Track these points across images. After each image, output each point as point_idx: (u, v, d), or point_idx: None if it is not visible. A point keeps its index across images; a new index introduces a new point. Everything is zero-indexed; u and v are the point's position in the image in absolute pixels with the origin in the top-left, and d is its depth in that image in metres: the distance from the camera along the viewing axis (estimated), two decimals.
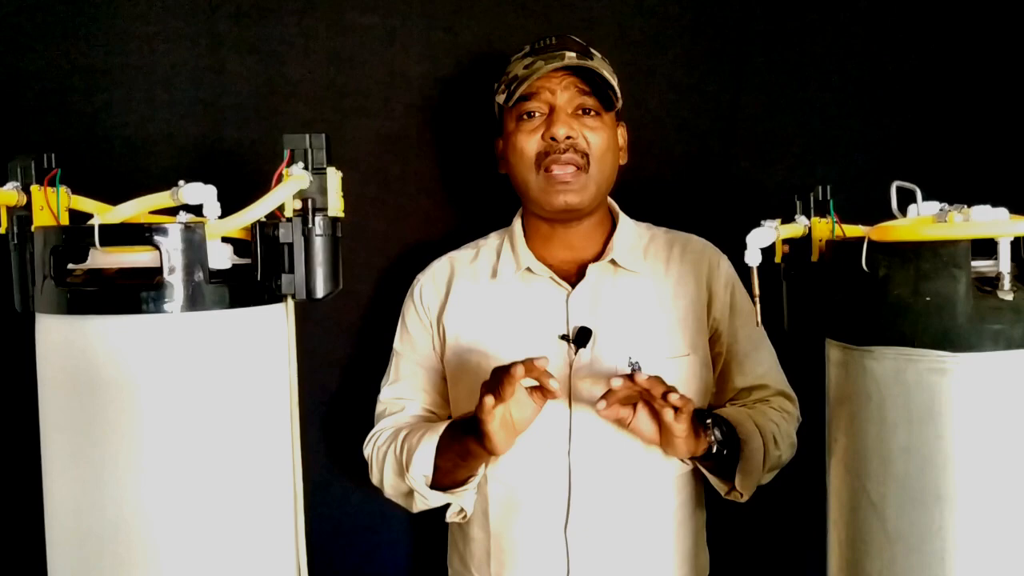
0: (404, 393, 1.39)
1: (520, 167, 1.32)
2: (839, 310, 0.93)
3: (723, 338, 1.36)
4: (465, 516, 1.33)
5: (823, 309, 0.96)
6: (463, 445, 1.22)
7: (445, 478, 1.27)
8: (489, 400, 1.11)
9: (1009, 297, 0.83)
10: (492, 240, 1.43)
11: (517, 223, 1.40)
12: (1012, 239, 0.83)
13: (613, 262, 1.34)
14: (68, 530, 0.85)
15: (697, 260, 1.37)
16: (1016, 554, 0.83)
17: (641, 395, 1.17)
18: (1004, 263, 0.83)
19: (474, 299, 1.36)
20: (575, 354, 1.28)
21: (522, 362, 1.09)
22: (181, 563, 0.82)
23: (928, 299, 0.83)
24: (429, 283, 1.41)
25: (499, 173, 1.41)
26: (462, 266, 1.40)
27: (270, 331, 0.89)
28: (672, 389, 1.14)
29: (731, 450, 1.24)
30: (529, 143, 1.31)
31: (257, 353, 0.87)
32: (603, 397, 1.17)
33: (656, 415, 1.17)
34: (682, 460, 1.29)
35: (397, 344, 1.42)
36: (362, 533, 1.65)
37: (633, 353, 1.24)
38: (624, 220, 1.39)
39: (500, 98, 1.35)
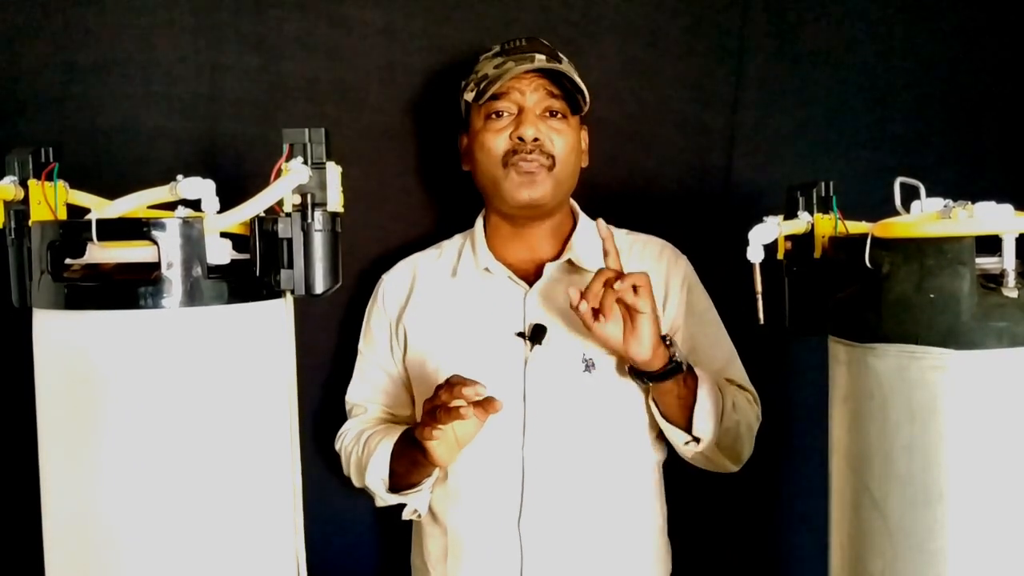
0: (366, 394, 1.44)
1: (486, 164, 1.34)
2: (841, 307, 0.92)
3: (677, 335, 1.37)
4: (419, 516, 1.36)
5: (825, 306, 0.96)
6: (411, 455, 1.25)
7: (401, 481, 1.31)
8: (426, 431, 1.15)
9: (1013, 294, 0.82)
10: (456, 240, 1.46)
11: (479, 223, 1.42)
12: (1016, 236, 0.82)
13: (570, 262, 1.36)
14: (65, 525, 0.84)
15: (655, 260, 1.39)
16: (1018, 553, 0.83)
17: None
18: (1008, 260, 0.83)
19: (434, 298, 1.40)
20: (530, 350, 1.30)
21: (461, 384, 1.12)
22: (179, 560, 0.81)
23: (932, 296, 0.83)
24: (391, 284, 1.44)
25: (462, 171, 1.42)
26: (424, 267, 1.43)
27: (269, 327, 0.88)
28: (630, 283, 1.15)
29: (690, 375, 1.24)
30: (497, 141, 1.32)
31: (256, 349, 0.87)
32: (582, 296, 1.17)
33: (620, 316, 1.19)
34: (644, 380, 1.26)
35: (361, 344, 1.46)
36: (361, 529, 1.65)
37: (587, 350, 1.28)
38: (584, 221, 1.41)
39: (468, 96, 1.37)
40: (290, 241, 0.88)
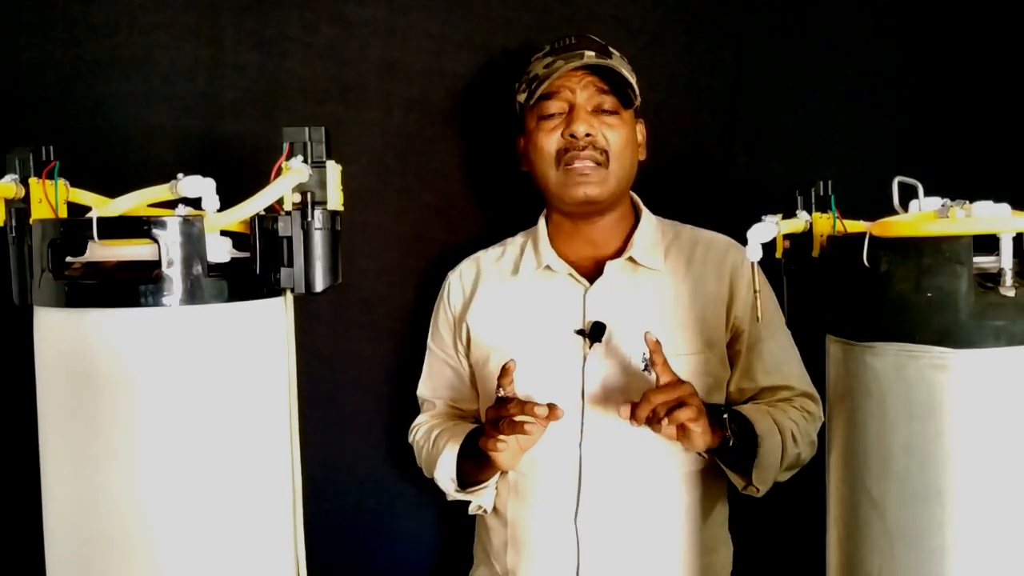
0: (434, 390, 1.47)
1: (541, 164, 1.34)
2: (840, 306, 0.93)
3: (744, 336, 1.36)
4: (485, 511, 1.38)
5: (824, 305, 0.96)
6: (477, 458, 1.28)
7: (469, 478, 1.34)
8: (490, 443, 1.19)
9: (1011, 293, 0.82)
10: (518, 238, 1.46)
11: (541, 221, 1.43)
12: (1014, 235, 0.83)
13: (631, 259, 1.35)
14: (66, 523, 0.85)
15: (720, 259, 1.38)
16: (1016, 551, 0.83)
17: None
18: (1006, 259, 0.83)
19: (497, 297, 1.40)
20: (589, 348, 1.30)
21: (523, 406, 1.14)
22: (179, 557, 0.82)
23: (929, 295, 0.83)
24: (456, 282, 1.45)
25: (520, 171, 1.43)
26: (488, 265, 1.44)
27: (269, 325, 0.88)
28: (677, 402, 1.14)
29: (746, 444, 1.24)
30: (549, 141, 1.33)
31: (256, 347, 0.87)
32: (632, 416, 1.16)
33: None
34: (699, 454, 1.29)
35: (429, 340, 1.48)
36: (360, 527, 1.65)
37: (646, 348, 1.24)
38: (647, 217, 1.41)
39: (521, 97, 1.37)
40: (290, 239, 0.88)
